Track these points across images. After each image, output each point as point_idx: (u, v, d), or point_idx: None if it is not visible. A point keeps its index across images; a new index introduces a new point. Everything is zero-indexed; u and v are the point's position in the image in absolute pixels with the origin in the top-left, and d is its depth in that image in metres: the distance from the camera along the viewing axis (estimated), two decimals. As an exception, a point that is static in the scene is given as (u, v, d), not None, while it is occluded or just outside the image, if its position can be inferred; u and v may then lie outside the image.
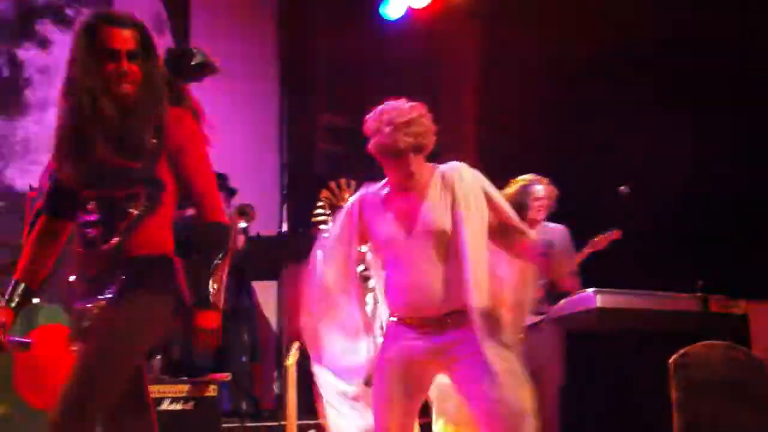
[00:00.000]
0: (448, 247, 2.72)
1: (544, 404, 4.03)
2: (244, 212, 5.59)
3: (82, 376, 2.29)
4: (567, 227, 4.41)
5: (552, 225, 4.39)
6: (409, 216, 2.79)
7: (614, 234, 4.23)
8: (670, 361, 3.21)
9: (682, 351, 3.22)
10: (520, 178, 4.28)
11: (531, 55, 5.45)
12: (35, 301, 4.21)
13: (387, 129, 2.73)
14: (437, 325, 2.71)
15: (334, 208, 6.00)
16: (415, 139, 2.72)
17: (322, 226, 6.07)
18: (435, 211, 2.76)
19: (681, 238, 4.28)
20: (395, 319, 2.82)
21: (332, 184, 6.03)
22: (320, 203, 6.09)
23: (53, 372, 3.70)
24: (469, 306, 2.64)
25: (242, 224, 5.58)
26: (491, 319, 2.67)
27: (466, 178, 2.76)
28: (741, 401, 3.15)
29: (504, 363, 2.61)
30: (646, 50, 5.06)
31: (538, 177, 4.28)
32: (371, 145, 2.79)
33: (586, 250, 4.26)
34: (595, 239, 4.25)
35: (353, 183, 5.99)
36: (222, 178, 5.81)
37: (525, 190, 4.22)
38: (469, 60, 6.12)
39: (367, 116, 2.81)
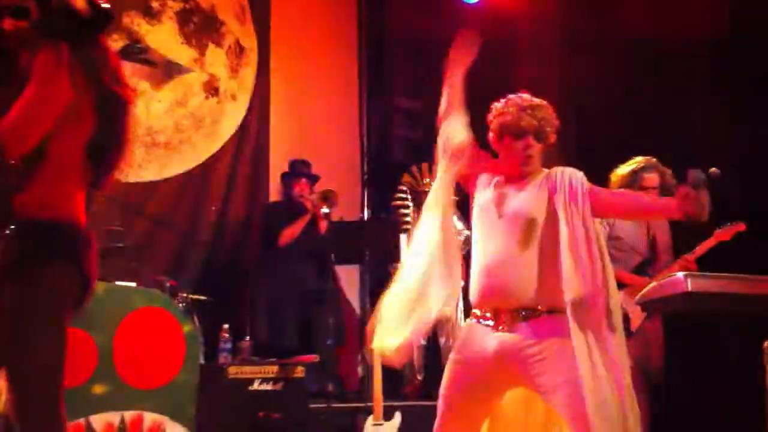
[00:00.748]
0: (539, 239, 2.67)
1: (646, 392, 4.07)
2: (327, 197, 5.68)
3: None
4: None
5: None
6: (506, 200, 2.77)
7: (739, 226, 4.10)
8: (765, 345, 3.15)
9: (776, 335, 3.15)
10: (632, 160, 4.17)
11: (611, 39, 5.35)
12: (132, 284, 4.39)
13: (512, 109, 2.76)
14: (510, 320, 2.65)
15: (415, 193, 6.08)
16: (539, 122, 2.74)
17: (402, 211, 6.15)
18: (529, 199, 2.74)
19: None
20: (472, 315, 2.77)
21: (414, 169, 6.10)
22: (401, 188, 6.16)
23: (149, 352, 3.84)
24: (558, 305, 2.58)
25: (325, 209, 5.67)
26: (587, 318, 2.57)
27: (568, 175, 2.73)
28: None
29: (594, 366, 2.51)
30: (734, 32, 4.89)
31: (651, 161, 4.16)
32: (493, 125, 2.80)
33: (709, 243, 4.14)
34: (719, 231, 4.12)
35: (434, 168, 6.03)
36: (305, 165, 5.92)
37: (635, 175, 4.10)
38: (547, 44, 6.05)
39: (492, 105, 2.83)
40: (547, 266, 2.64)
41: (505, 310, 2.67)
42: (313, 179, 5.90)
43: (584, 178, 2.75)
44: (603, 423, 2.44)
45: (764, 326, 3.31)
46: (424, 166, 6.08)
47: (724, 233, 4.11)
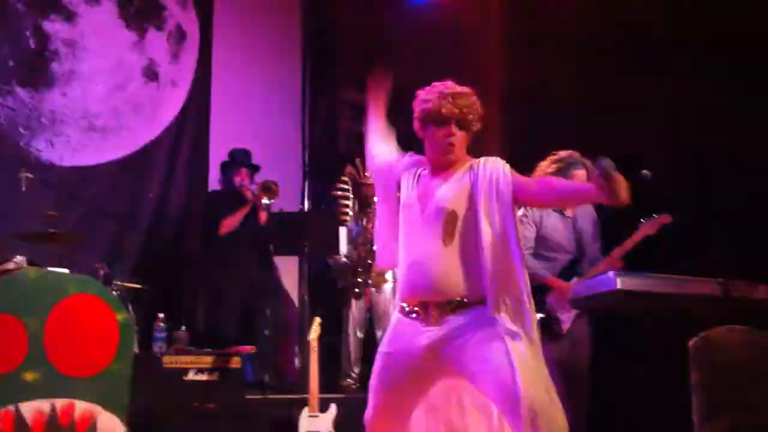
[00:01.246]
0: (462, 231, 2.68)
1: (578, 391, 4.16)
2: (268, 188, 5.65)
3: None
4: (595, 211, 4.44)
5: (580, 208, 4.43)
6: (430, 193, 2.78)
7: (664, 218, 4.15)
8: (690, 343, 3.24)
9: (702, 334, 3.24)
10: (561, 153, 4.22)
11: (557, 32, 5.41)
12: (65, 271, 4.31)
13: (434, 97, 2.75)
14: (437, 314, 2.66)
15: (357, 185, 6.09)
16: (461, 110, 2.73)
17: (343, 202, 6.15)
18: (451, 192, 2.73)
19: (703, 221, 4.27)
20: (400, 309, 2.78)
21: (356, 161, 6.10)
22: (343, 180, 6.17)
23: (81, 340, 3.77)
24: (481, 297, 2.60)
25: (266, 200, 5.64)
26: (511, 312, 2.60)
27: (491, 167, 2.73)
28: (760, 384, 3.19)
29: (522, 358, 2.53)
30: (684, 20, 4.97)
31: (575, 155, 4.22)
32: (417, 113, 2.80)
33: (635, 238, 4.18)
34: (644, 224, 4.18)
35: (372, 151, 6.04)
36: (246, 154, 5.87)
37: (566, 172, 4.14)
38: (494, 37, 6.10)
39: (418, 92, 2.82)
40: (471, 258, 2.65)
41: (432, 303, 2.68)
42: (254, 169, 5.86)
43: (506, 168, 2.74)
44: (535, 411, 2.47)
45: (689, 325, 3.41)
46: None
47: (649, 227, 4.18)
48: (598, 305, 4.02)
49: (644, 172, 4.11)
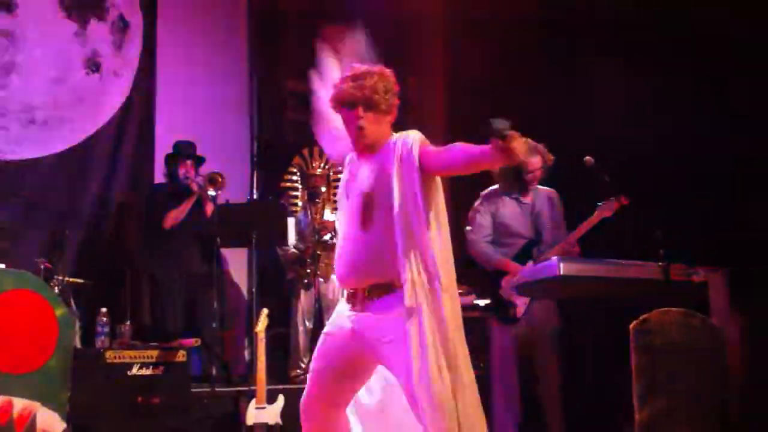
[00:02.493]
0: (381, 214, 2.62)
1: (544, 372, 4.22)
2: (214, 180, 5.59)
3: None
4: (556, 191, 4.49)
5: (541, 188, 4.47)
6: (353, 178, 2.76)
7: (621, 200, 4.17)
8: (631, 326, 3.28)
9: (641, 317, 3.29)
10: None
11: (499, 17, 5.42)
12: (1, 266, 4.21)
13: (339, 82, 2.73)
14: (362, 299, 2.65)
15: (305, 175, 6.06)
16: (363, 92, 2.66)
17: (291, 193, 6.12)
18: (368, 175, 2.69)
19: (644, 205, 4.33)
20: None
21: (304, 152, 6.07)
22: (291, 171, 6.13)
23: (18, 336, 3.71)
24: (401, 280, 2.53)
25: (212, 192, 5.58)
26: (425, 297, 2.52)
27: (402, 142, 2.64)
28: (696, 366, 3.24)
29: (430, 350, 2.46)
30: (620, 7, 5.02)
31: (530, 143, 4.19)
32: (330, 102, 2.76)
33: (591, 221, 4.24)
34: (599, 208, 4.23)
35: (324, 151, 6.03)
36: (190, 146, 5.80)
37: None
38: (438, 23, 6.10)
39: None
40: (391, 240, 2.58)
41: (357, 290, 2.68)
42: (199, 161, 5.79)
43: (417, 140, 2.64)
44: (434, 406, 2.42)
45: (631, 309, 3.45)
46: (316, 149, 6.07)
47: (605, 209, 4.24)
48: (541, 291, 4.05)
49: (587, 158, 4.19)
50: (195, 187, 5.58)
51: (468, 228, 4.53)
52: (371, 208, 2.64)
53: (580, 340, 4.53)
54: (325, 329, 2.80)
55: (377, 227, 2.63)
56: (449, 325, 2.52)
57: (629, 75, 4.86)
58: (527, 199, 4.49)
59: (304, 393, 2.75)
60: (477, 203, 4.57)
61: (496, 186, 4.56)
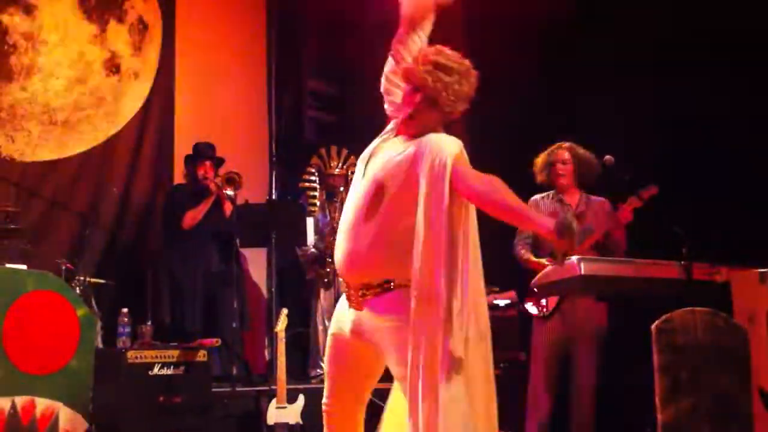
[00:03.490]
0: (389, 208, 2.41)
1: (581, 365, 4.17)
2: (232, 180, 5.61)
3: None
4: (608, 200, 4.45)
5: (594, 198, 4.46)
6: (373, 156, 2.54)
7: (651, 190, 4.16)
8: (653, 326, 3.26)
9: (664, 317, 3.26)
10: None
11: (517, 17, 5.38)
12: (23, 267, 4.24)
13: (420, 58, 2.48)
14: (357, 296, 2.46)
15: (323, 175, 6.07)
16: (435, 85, 2.43)
17: (310, 193, 6.12)
18: (388, 162, 2.47)
19: (666, 204, 4.29)
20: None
21: (322, 151, 6.08)
22: (309, 170, 6.14)
23: (40, 337, 3.73)
24: (398, 281, 2.38)
25: (229, 192, 5.60)
26: (427, 315, 2.31)
27: (437, 148, 2.39)
28: (720, 365, 3.22)
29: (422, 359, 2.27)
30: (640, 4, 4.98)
31: (562, 143, 4.44)
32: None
33: (628, 207, 4.21)
34: (632, 198, 4.20)
35: (343, 151, 6.04)
36: (209, 147, 5.82)
37: (551, 154, 4.42)
38: (456, 22, 6.07)
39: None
40: (397, 239, 2.39)
41: (353, 285, 2.49)
42: (218, 162, 5.81)
43: (453, 154, 2.38)
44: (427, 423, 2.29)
45: (652, 308, 3.42)
46: (333, 148, 6.07)
47: (636, 200, 4.20)
48: (562, 290, 4.03)
49: (607, 157, 4.17)
50: (213, 187, 5.60)
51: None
52: (380, 199, 2.42)
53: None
54: (331, 329, 2.66)
55: (384, 220, 2.41)
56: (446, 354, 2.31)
57: (654, 74, 4.82)
58: (570, 201, 4.47)
59: (324, 395, 2.68)
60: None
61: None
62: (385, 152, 2.53)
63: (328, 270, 5.70)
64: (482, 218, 2.49)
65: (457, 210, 2.38)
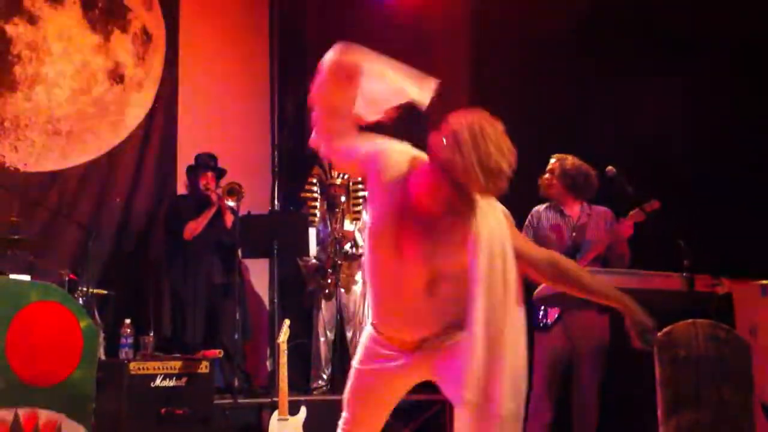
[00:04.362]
0: (443, 239, 2.30)
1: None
2: (233, 190, 5.62)
3: None
4: (610, 210, 4.46)
5: (596, 208, 4.47)
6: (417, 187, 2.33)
7: (654, 204, 4.18)
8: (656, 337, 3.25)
9: (666, 329, 3.26)
10: (564, 163, 4.48)
11: (525, 23, 5.38)
12: (26, 278, 4.25)
13: (467, 153, 2.19)
14: (414, 343, 2.44)
15: (324, 185, 6.07)
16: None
17: (311, 203, 6.13)
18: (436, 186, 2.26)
19: (668, 216, 4.30)
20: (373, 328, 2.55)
21: (323, 162, 6.07)
22: (311, 181, 6.14)
23: (43, 349, 3.73)
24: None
25: (230, 202, 5.62)
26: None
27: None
28: (722, 378, 3.21)
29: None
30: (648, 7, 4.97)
31: (555, 154, 4.48)
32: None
33: (629, 221, 4.23)
34: (632, 212, 4.22)
35: (344, 161, 6.03)
36: (211, 158, 5.84)
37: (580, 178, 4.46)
38: (461, 32, 6.09)
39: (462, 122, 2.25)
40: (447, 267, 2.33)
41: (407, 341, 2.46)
42: (220, 172, 5.83)
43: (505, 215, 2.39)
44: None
45: (656, 320, 3.42)
46: (335, 160, 6.06)
47: (638, 214, 4.22)
48: (564, 302, 4.03)
49: (609, 168, 4.18)
50: (214, 198, 5.61)
51: None
52: (433, 228, 2.29)
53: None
54: (357, 364, 2.59)
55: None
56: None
57: (656, 85, 4.83)
58: (570, 212, 4.47)
59: (345, 418, 2.63)
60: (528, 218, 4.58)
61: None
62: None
63: (330, 281, 5.70)
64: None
65: None
